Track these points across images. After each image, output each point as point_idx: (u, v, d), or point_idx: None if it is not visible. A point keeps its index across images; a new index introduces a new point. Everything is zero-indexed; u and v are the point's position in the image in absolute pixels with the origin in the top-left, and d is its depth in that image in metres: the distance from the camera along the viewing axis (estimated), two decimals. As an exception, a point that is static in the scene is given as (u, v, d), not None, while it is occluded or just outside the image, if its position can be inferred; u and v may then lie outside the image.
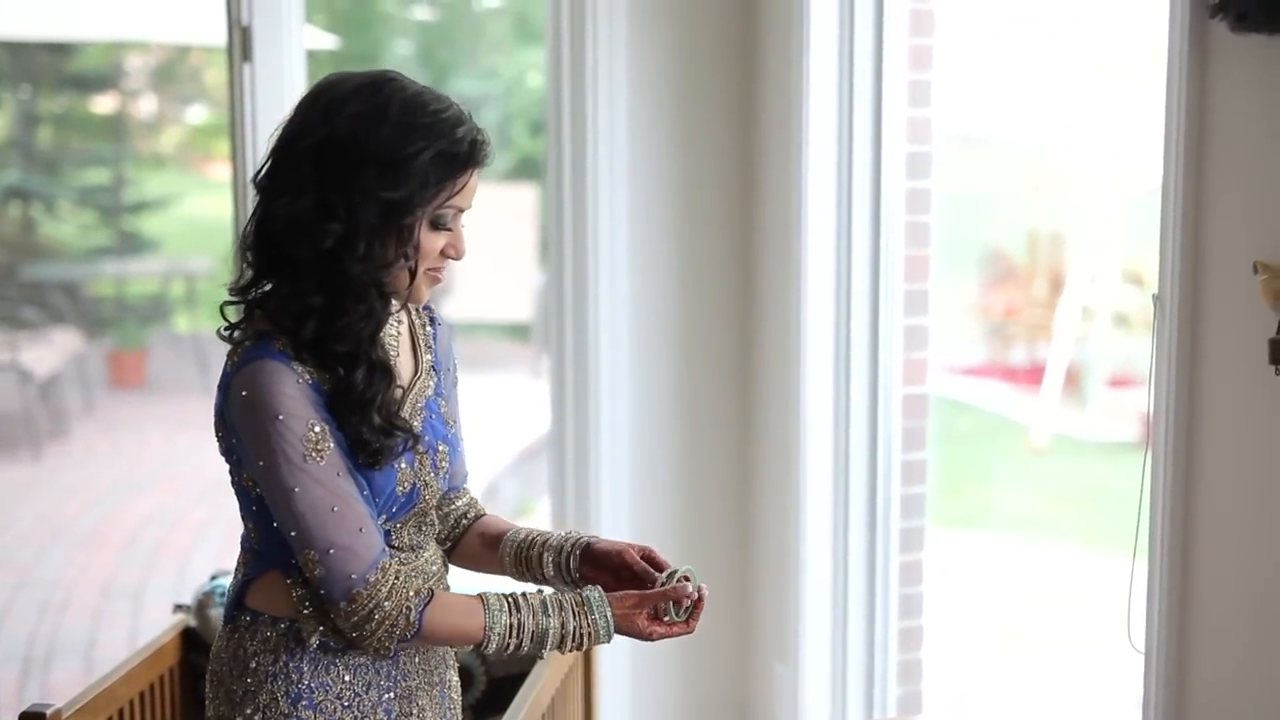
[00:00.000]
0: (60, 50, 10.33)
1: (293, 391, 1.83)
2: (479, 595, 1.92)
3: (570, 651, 1.93)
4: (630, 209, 3.64)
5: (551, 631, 1.90)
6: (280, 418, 1.82)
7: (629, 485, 3.69)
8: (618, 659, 3.71)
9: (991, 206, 9.54)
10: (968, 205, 8.97)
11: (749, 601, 3.76)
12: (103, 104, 11.34)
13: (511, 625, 1.89)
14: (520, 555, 2.07)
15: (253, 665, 1.94)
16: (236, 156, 3.56)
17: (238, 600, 1.98)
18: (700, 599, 1.95)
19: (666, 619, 1.93)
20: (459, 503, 2.14)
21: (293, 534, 1.85)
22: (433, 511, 2.03)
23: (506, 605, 1.90)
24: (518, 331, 10.70)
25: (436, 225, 1.89)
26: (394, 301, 1.93)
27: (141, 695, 2.67)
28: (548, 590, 1.98)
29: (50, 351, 8.28)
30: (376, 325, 1.89)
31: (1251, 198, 2.27)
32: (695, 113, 3.65)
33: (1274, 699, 2.30)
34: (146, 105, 11.88)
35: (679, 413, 3.73)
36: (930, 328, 3.49)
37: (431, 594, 1.90)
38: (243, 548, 2.00)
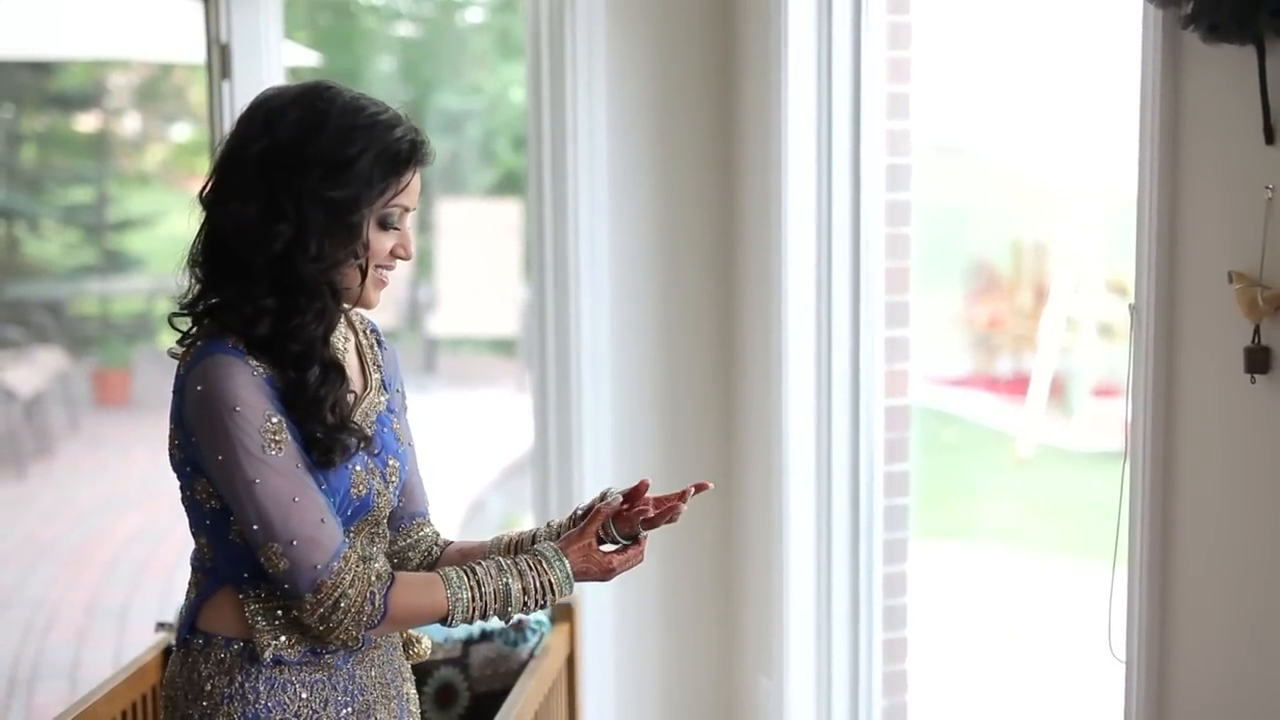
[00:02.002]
0: (42, 69, 10.31)
1: (248, 383, 1.85)
2: (437, 571, 1.95)
3: (537, 608, 1.96)
4: (611, 223, 3.65)
5: (513, 589, 1.94)
6: (237, 409, 1.84)
7: (612, 499, 3.68)
8: (604, 672, 3.71)
9: (975, 218, 9.56)
10: (952, 217, 8.99)
11: (733, 615, 3.76)
12: (86, 122, 11.32)
13: (472, 589, 1.93)
14: (512, 549, 2.08)
15: (208, 688, 1.95)
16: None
17: (190, 623, 1.98)
18: (647, 525, 1.99)
19: (614, 545, 1.99)
20: (426, 530, 2.16)
21: (255, 528, 1.86)
22: (384, 524, 2.05)
23: (464, 573, 1.94)
24: (504, 346, 10.70)
25: (384, 225, 1.93)
26: (345, 304, 1.95)
27: (124, 714, 2.65)
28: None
29: (34, 371, 8.26)
30: (329, 325, 1.92)
31: (1226, 207, 2.28)
32: (675, 126, 3.66)
33: (1254, 706, 2.30)
34: (130, 123, 11.86)
35: (661, 425, 3.74)
36: (911, 339, 3.50)
37: (393, 577, 1.93)
38: (194, 568, 2.00)
